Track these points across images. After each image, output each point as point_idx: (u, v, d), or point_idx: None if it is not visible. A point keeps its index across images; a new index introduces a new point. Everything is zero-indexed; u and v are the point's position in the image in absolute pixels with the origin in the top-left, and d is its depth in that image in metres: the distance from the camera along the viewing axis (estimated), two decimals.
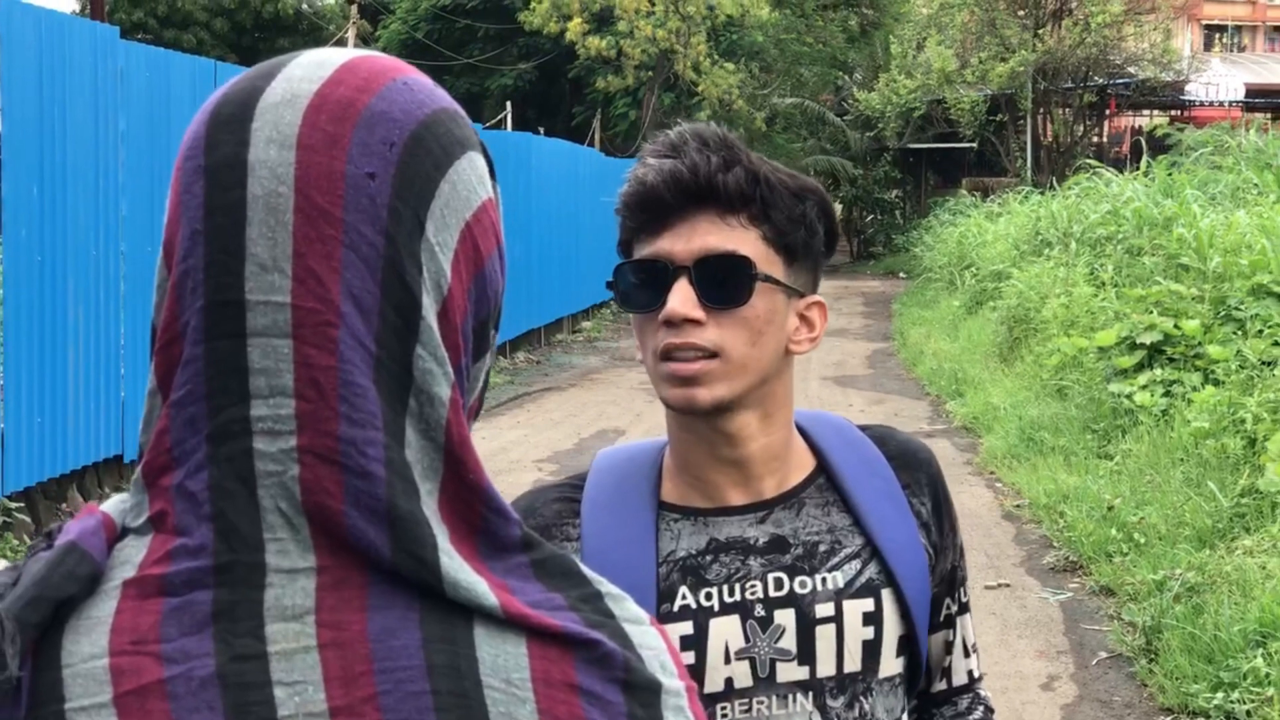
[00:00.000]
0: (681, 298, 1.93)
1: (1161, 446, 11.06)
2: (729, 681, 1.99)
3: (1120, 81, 41.32)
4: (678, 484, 2.09)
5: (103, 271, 11.13)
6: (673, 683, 1.12)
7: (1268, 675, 6.92)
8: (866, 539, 2.09)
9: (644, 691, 1.09)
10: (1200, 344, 12.29)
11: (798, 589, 2.04)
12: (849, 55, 50.92)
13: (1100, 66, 40.43)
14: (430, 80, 1.19)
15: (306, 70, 1.13)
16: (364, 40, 43.27)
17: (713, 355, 1.95)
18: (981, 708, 2.29)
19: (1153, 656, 7.89)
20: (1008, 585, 9.51)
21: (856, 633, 2.05)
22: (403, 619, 1.06)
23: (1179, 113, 44.67)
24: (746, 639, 2.00)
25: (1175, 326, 12.65)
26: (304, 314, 1.07)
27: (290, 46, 37.75)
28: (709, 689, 1.97)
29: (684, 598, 2.00)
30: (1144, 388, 12.30)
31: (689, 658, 1.97)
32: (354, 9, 30.29)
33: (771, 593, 2.03)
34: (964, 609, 2.26)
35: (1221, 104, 44.70)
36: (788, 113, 48.15)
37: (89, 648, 1.04)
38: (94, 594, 1.06)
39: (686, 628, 1.98)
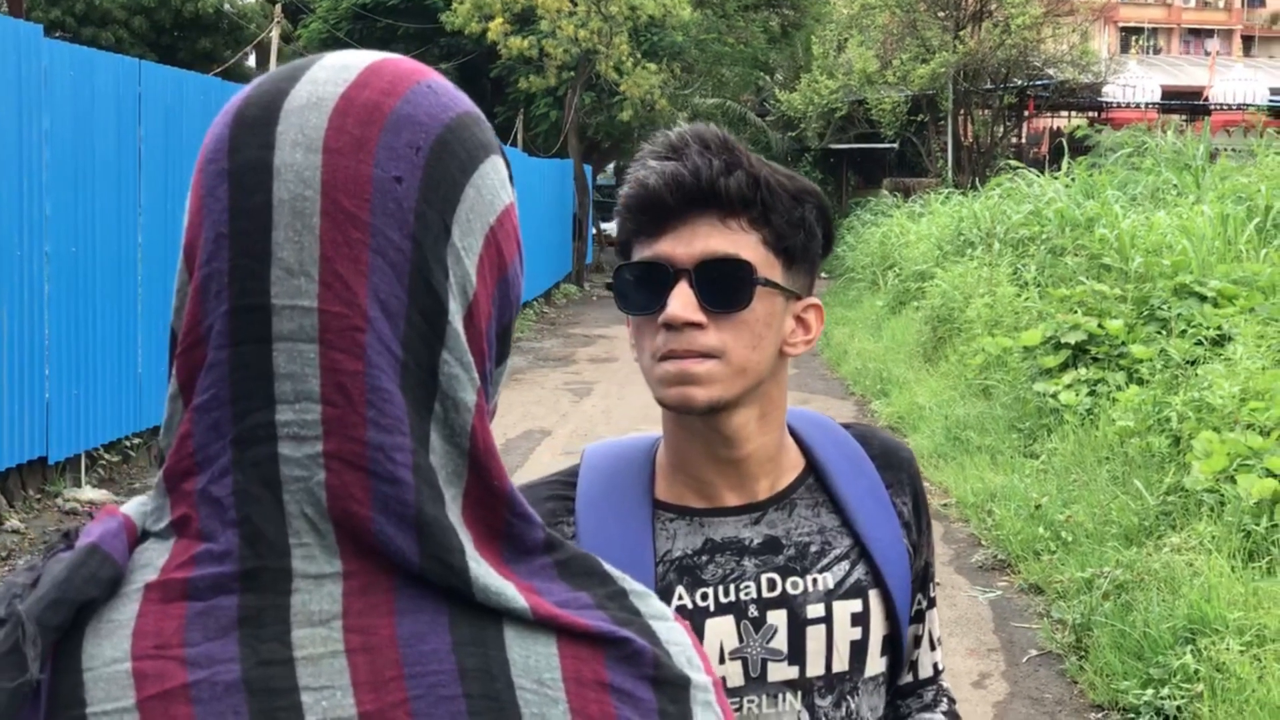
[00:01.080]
0: (682, 301, 1.93)
1: (1087, 445, 11.15)
2: (721, 681, 1.98)
3: (1039, 83, 41.61)
4: (672, 483, 2.09)
5: (26, 272, 11.00)
6: (700, 677, 1.12)
7: (1197, 671, 6.99)
8: (855, 540, 2.11)
9: (673, 687, 1.10)
10: (1124, 343, 12.40)
11: (790, 590, 2.06)
12: (770, 56, 51.06)
13: (1020, 68, 40.72)
14: (451, 84, 1.18)
15: (331, 73, 1.13)
16: (284, 40, 43.00)
17: (712, 357, 1.95)
18: (946, 699, 2.33)
19: (1083, 654, 7.96)
20: (937, 584, 9.53)
21: (845, 633, 2.08)
22: (432, 623, 1.06)
23: (1097, 114, 45.04)
24: (740, 639, 2.02)
25: (1099, 326, 12.76)
26: (331, 319, 1.06)
27: (211, 46, 37.42)
28: None
29: (680, 598, 2.01)
30: (1069, 387, 12.40)
31: None
32: (277, 8, 30.08)
33: (765, 593, 2.05)
34: (932, 603, 2.28)
35: (1138, 105, 45.11)
36: (709, 113, 48.15)
37: (111, 651, 1.03)
38: (114, 597, 1.05)
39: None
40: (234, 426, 1.06)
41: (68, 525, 1.05)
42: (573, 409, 17.28)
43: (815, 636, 2.06)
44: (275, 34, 27.37)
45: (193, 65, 33.85)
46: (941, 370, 16.88)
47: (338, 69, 1.13)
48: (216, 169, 1.10)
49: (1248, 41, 79.41)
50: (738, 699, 2.01)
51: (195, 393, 1.09)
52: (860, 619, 2.09)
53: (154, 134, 13.14)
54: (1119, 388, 11.72)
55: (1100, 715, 7.30)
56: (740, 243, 1.96)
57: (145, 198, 12.99)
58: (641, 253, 2.00)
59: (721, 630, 2.02)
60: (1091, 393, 12.17)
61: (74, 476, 12.02)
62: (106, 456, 12.74)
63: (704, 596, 2.02)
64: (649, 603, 1.14)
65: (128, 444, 13.10)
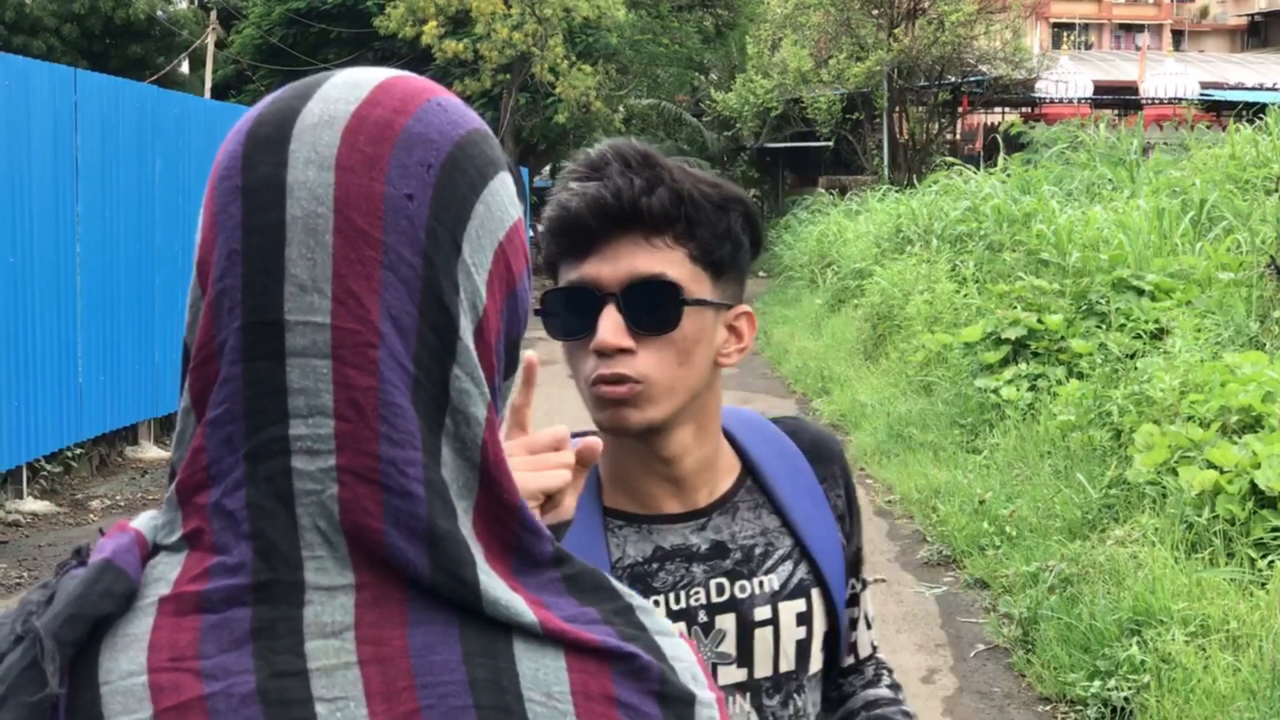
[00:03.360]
0: (611, 327, 1.93)
1: (1029, 440, 11.23)
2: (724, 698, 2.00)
3: (973, 80, 41.83)
4: (613, 490, 2.10)
5: None
6: (705, 694, 1.14)
7: (1143, 662, 7.05)
8: (795, 539, 2.14)
9: (679, 703, 1.11)
10: (1064, 338, 12.50)
11: (738, 593, 2.08)
12: (705, 56, 51.12)
13: (954, 65, 40.89)
14: (461, 101, 1.20)
15: (342, 91, 1.14)
16: (219, 45, 42.78)
17: (645, 380, 1.95)
18: (886, 672, 2.37)
19: (1029, 647, 8.01)
20: (883, 580, 9.60)
21: (791, 633, 2.11)
22: (443, 635, 1.07)
23: (1030, 110, 45.26)
24: (699, 644, 2.04)
25: (1038, 321, 12.85)
26: (344, 334, 1.07)
27: (143, 52, 37.13)
28: None
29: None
30: (1009, 382, 12.47)
31: None
32: (213, 15, 29.96)
33: (714, 598, 2.06)
34: (865, 585, 2.33)
35: (1071, 101, 45.37)
36: (644, 113, 48.25)
37: (127, 665, 1.04)
38: (129, 611, 1.06)
39: None
40: (247, 441, 1.08)
41: (80, 542, 1.06)
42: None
43: (763, 638, 2.09)
44: (211, 40, 27.28)
45: (125, 72, 33.60)
46: (882, 367, 16.93)
47: (349, 87, 1.15)
48: (230, 186, 1.11)
49: (1178, 36, 79.99)
50: None
51: (208, 407, 1.10)
52: (804, 618, 2.12)
53: (91, 142, 13.05)
54: (1059, 382, 11.81)
55: (1049, 708, 7.35)
56: (666, 260, 1.95)
57: (83, 207, 12.90)
58: (568, 275, 1.98)
59: None
60: (1032, 388, 12.25)
61: (15, 488, 11.94)
62: (48, 467, 12.65)
63: (656, 604, 2.01)
64: (655, 618, 1.16)
65: (69, 454, 13.01)
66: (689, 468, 2.07)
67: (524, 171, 42.49)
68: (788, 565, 2.12)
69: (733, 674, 2.06)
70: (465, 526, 1.10)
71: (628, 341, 1.93)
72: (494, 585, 1.09)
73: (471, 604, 1.08)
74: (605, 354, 1.94)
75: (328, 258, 1.08)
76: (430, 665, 1.06)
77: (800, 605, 2.11)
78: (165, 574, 1.08)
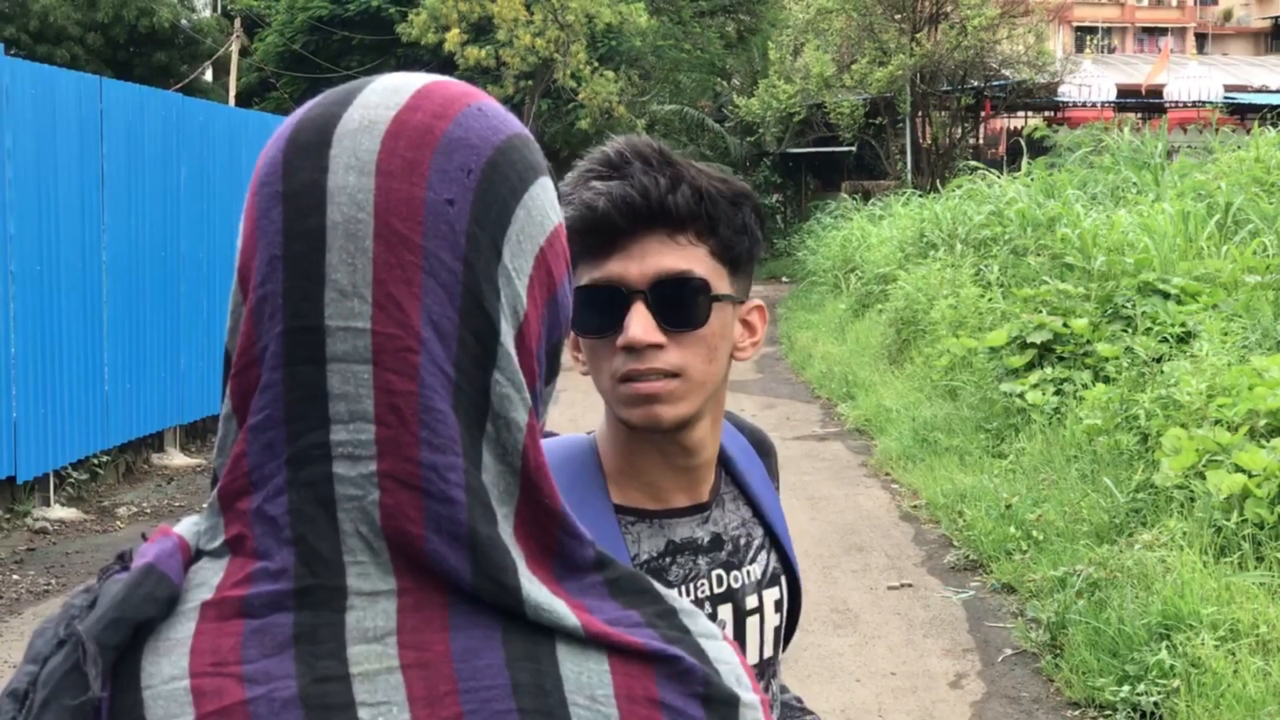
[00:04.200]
0: (642, 324, 1.95)
1: (1055, 444, 11.21)
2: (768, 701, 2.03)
3: (996, 84, 41.75)
4: (622, 486, 2.10)
5: None
6: (749, 696, 1.14)
7: (1172, 667, 7.03)
8: (766, 529, 2.20)
9: (723, 705, 1.11)
10: (1089, 342, 12.46)
11: (733, 584, 2.13)
12: (727, 61, 51.07)
13: (976, 69, 40.81)
14: (502, 106, 1.20)
15: (382, 96, 1.14)
16: (241, 54, 42.84)
17: (673, 375, 1.97)
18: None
19: (1058, 652, 7.99)
20: (910, 585, 9.59)
21: (771, 620, 2.17)
22: (485, 639, 1.07)
23: (1053, 114, 45.21)
24: None
25: (1064, 325, 12.82)
26: (384, 340, 1.07)
27: (167, 60, 37.21)
28: None
29: None
30: (1035, 386, 12.45)
31: None
32: (236, 23, 30.03)
33: (715, 589, 2.11)
34: None
35: (1094, 104, 45.29)
36: (667, 119, 48.20)
37: (169, 669, 1.04)
38: (171, 616, 1.07)
39: None
40: (289, 446, 1.08)
41: (123, 547, 1.07)
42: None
43: (753, 626, 2.14)
44: (235, 48, 27.34)
45: (149, 80, 33.69)
46: (907, 372, 16.91)
47: (389, 92, 1.15)
48: (271, 192, 1.12)
49: (1201, 39, 79.82)
50: None
51: (250, 413, 1.10)
52: (779, 605, 2.19)
53: (116, 150, 13.10)
54: (1085, 386, 11.78)
55: (1077, 713, 7.33)
56: (690, 257, 1.98)
57: (109, 215, 12.95)
58: (590, 274, 1.99)
59: None
60: (1058, 392, 12.23)
61: (43, 495, 11.98)
62: (75, 475, 12.68)
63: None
64: (698, 621, 1.15)
65: (95, 462, 13.05)
66: (705, 460, 2.10)
67: None
68: (764, 554, 2.18)
69: None
70: (506, 531, 1.10)
71: (659, 337, 1.95)
72: (536, 590, 1.09)
73: (513, 609, 1.08)
74: (635, 350, 1.96)
75: (368, 263, 1.08)
76: (473, 670, 1.06)
77: (776, 593, 2.18)
78: (208, 579, 1.09)
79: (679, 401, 1.98)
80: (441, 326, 1.08)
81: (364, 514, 1.07)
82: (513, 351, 1.12)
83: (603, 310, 1.97)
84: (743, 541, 2.15)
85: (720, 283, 2.01)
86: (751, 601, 2.13)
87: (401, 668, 1.05)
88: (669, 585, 2.05)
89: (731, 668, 1.14)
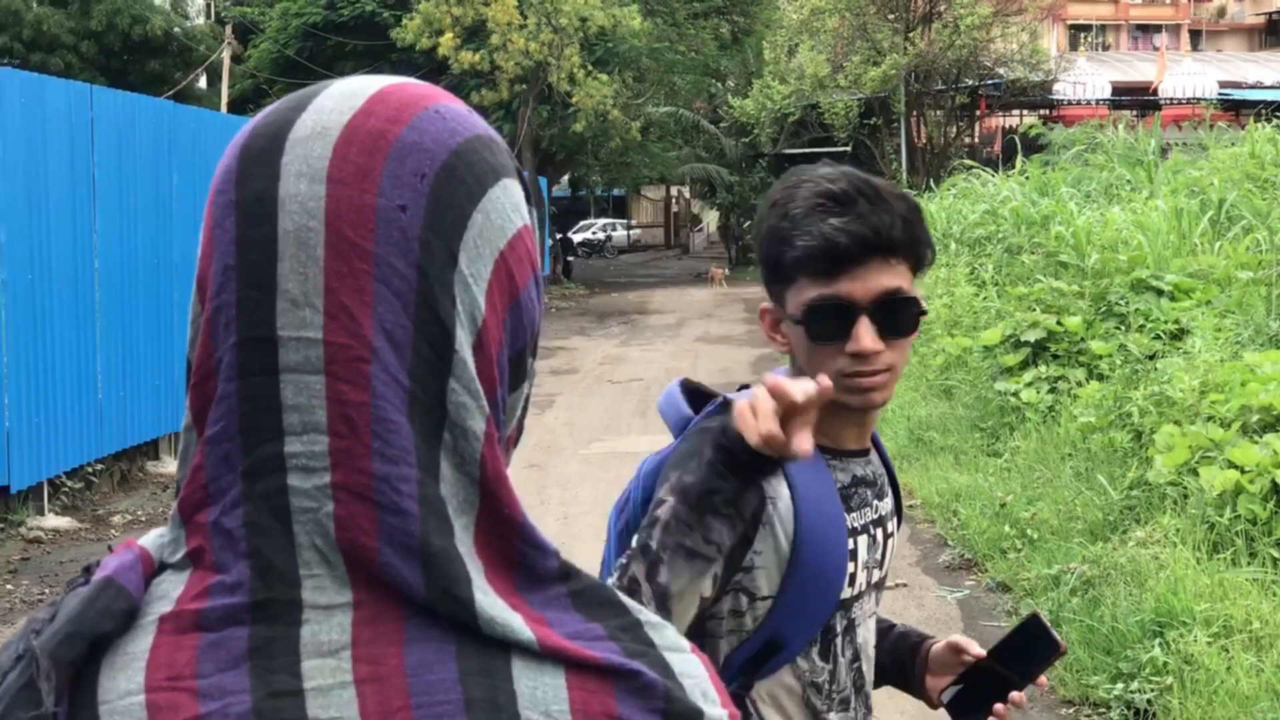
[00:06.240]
0: (870, 335, 2.40)
1: (1049, 442, 11.20)
2: (860, 582, 2.54)
3: (990, 82, 41.79)
4: (815, 434, 2.43)
5: None
6: (715, 711, 1.11)
7: (1165, 664, 7.03)
8: (887, 470, 2.71)
9: None
10: (1083, 340, 12.47)
11: (882, 512, 2.63)
12: (721, 62, 51.05)
13: (970, 68, 40.89)
14: (465, 107, 1.18)
15: (337, 101, 1.13)
16: (235, 60, 42.86)
17: (887, 371, 2.46)
18: None
19: None
20: (905, 585, 9.58)
21: (894, 546, 2.70)
22: (439, 653, 1.05)
23: (1048, 112, 45.18)
24: (867, 553, 2.56)
25: (1058, 323, 12.83)
26: (336, 349, 1.06)
27: (160, 68, 37.22)
28: (854, 590, 2.52)
29: (849, 521, 2.52)
30: (1029, 385, 12.46)
31: (850, 567, 2.49)
32: (228, 29, 30.03)
33: (872, 517, 2.59)
34: None
35: (1089, 102, 45.30)
36: (662, 121, 48.23)
37: (125, 684, 1.03)
38: (131, 629, 1.06)
39: (850, 543, 2.50)
40: (244, 458, 1.07)
41: (90, 560, 1.06)
42: (535, 422, 17.25)
43: (890, 548, 2.66)
44: (226, 55, 27.35)
45: (143, 88, 33.70)
46: (902, 371, 16.89)
47: (344, 97, 1.13)
48: (225, 200, 1.10)
49: (1195, 36, 79.89)
50: (861, 597, 2.56)
51: (207, 424, 1.09)
52: (892, 535, 2.69)
53: (107, 158, 13.09)
54: (1079, 384, 11.79)
55: (1072, 711, 7.32)
56: (901, 276, 2.43)
57: (101, 223, 12.93)
58: (818, 290, 2.42)
59: (862, 545, 2.54)
60: (1052, 390, 12.23)
61: (37, 505, 11.96)
62: (69, 483, 12.67)
63: (855, 520, 2.54)
64: (664, 634, 1.13)
65: (90, 470, 13.04)
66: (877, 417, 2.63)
67: (542, 181, 42.56)
68: (889, 491, 2.68)
69: (875, 575, 2.59)
70: (464, 543, 1.08)
71: (881, 345, 2.41)
72: (490, 603, 1.07)
73: (469, 622, 1.06)
74: (862, 355, 2.41)
75: (319, 272, 1.06)
76: (426, 685, 1.04)
77: (894, 524, 2.69)
78: (169, 592, 1.08)
79: (887, 389, 2.48)
80: (395, 335, 1.07)
81: (319, 526, 1.05)
82: (469, 359, 1.10)
83: (832, 321, 2.42)
84: (881, 479, 2.64)
85: (917, 291, 2.48)
86: (890, 527, 2.64)
87: (355, 682, 1.04)
88: (852, 510, 2.53)
89: (698, 681, 1.11)
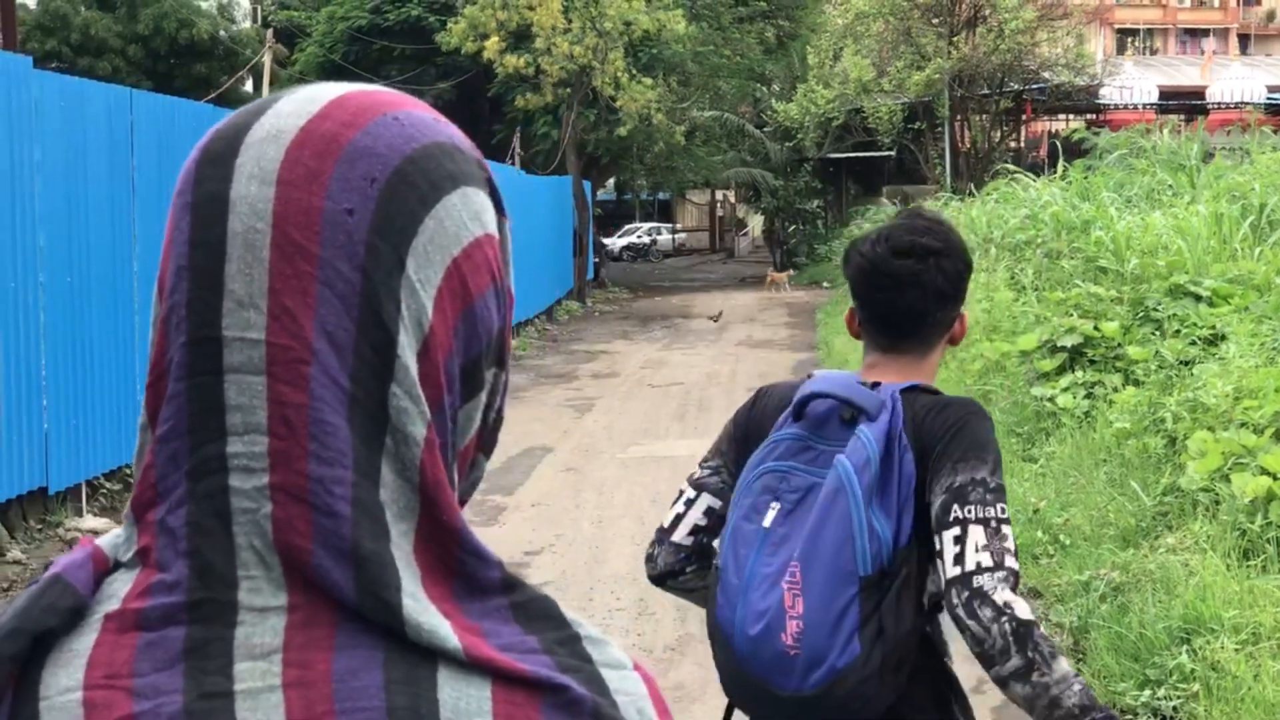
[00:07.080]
0: None
1: (1084, 448, 11.16)
2: None
3: (1035, 87, 41.64)
4: None
5: (21, 303, 11.03)
6: None
7: (1193, 671, 6.99)
8: None
9: None
10: (1120, 345, 12.41)
11: None
12: (766, 67, 51.01)
13: (1015, 72, 40.72)
14: (434, 115, 1.17)
15: (296, 105, 1.13)
16: (280, 64, 43.04)
17: None
18: None
19: (1080, 656, 7.96)
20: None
21: None
22: (367, 660, 1.05)
23: (1094, 116, 45.05)
24: None
25: (1095, 329, 12.77)
26: (277, 350, 1.07)
27: (207, 71, 37.42)
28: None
29: None
30: (1066, 390, 12.41)
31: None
32: (269, 33, 30.15)
33: None
34: None
35: (1135, 107, 45.11)
36: (707, 125, 48.20)
37: (66, 680, 1.04)
38: (78, 627, 1.07)
39: None
40: (189, 458, 1.08)
41: (50, 559, 1.09)
42: (574, 425, 17.28)
43: None
44: (268, 59, 27.45)
45: (189, 92, 33.91)
46: (941, 377, 16.79)
47: (303, 101, 1.14)
48: (182, 203, 1.12)
49: (1244, 40, 79.43)
50: None
51: (158, 423, 1.10)
52: None
53: (147, 162, 13.17)
54: (1115, 389, 11.74)
55: None
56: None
57: (139, 226, 13.01)
58: None
59: None
60: (1089, 395, 12.18)
61: (75, 506, 12.03)
62: (107, 485, 12.75)
63: None
64: (604, 650, 1.12)
65: (128, 472, 13.08)
66: None
67: (586, 185, 42.57)
68: None
69: None
70: (401, 549, 1.08)
71: None
72: (420, 609, 1.06)
73: (397, 628, 1.05)
74: None
75: (264, 273, 1.07)
76: (350, 691, 1.04)
77: None
78: (117, 591, 1.08)
79: None
80: (337, 338, 1.07)
81: (257, 528, 1.06)
82: (411, 364, 1.10)
83: None
84: None
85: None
86: None
87: (283, 686, 1.04)
88: None
89: (634, 699, 1.10)
